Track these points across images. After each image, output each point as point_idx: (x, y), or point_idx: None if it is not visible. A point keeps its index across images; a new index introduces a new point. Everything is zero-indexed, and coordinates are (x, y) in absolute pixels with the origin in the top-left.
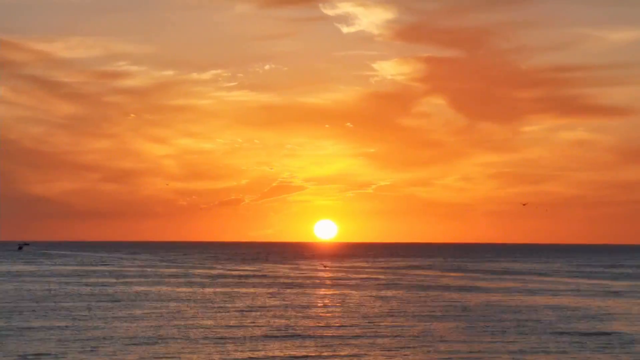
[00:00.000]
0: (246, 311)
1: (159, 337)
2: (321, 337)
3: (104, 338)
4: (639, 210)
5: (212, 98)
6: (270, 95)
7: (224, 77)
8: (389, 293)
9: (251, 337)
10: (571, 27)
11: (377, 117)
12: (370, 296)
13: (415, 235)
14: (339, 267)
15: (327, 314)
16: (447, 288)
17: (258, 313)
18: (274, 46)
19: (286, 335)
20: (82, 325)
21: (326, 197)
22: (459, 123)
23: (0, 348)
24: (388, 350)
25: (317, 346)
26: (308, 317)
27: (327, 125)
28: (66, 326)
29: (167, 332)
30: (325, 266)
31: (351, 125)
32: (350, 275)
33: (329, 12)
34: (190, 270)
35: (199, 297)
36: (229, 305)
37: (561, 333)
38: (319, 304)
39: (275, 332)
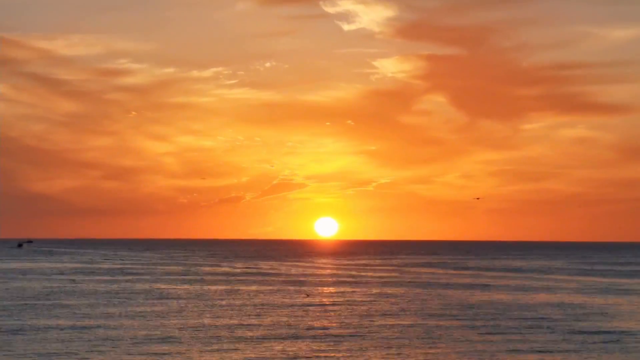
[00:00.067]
0: (249, 309)
1: (164, 335)
2: (330, 335)
3: (110, 338)
4: None
5: (213, 96)
6: (271, 93)
7: (224, 75)
8: (390, 290)
9: (254, 336)
10: (572, 24)
11: (378, 114)
12: (371, 294)
13: (415, 233)
14: (339, 265)
15: (332, 313)
16: (449, 286)
17: (260, 311)
18: (275, 44)
19: (287, 335)
20: (86, 324)
21: (327, 195)
22: (460, 121)
23: (7, 348)
24: (388, 349)
25: (324, 344)
26: (315, 316)
27: (327, 123)
28: (67, 325)
29: (171, 330)
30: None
31: (352, 123)
32: (351, 273)
33: (329, 9)
34: (198, 268)
35: (204, 295)
36: (238, 302)
37: (568, 331)
38: (326, 302)
39: (278, 331)
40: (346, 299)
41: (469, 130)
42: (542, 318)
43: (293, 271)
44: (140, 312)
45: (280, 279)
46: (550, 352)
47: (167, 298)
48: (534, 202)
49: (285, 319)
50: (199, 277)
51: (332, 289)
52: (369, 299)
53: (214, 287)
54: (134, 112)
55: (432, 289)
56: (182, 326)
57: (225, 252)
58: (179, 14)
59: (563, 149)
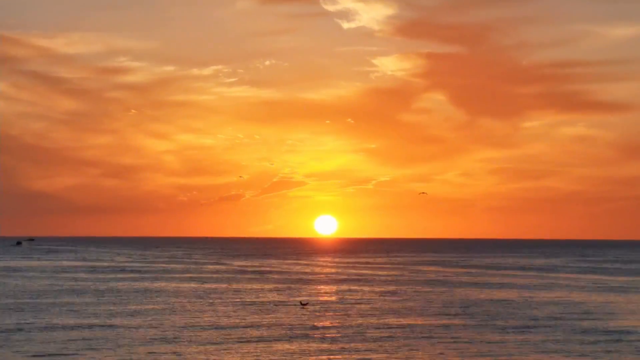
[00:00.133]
0: (249, 308)
1: (164, 334)
2: (330, 335)
3: (109, 337)
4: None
5: (213, 94)
6: (270, 91)
7: (224, 73)
8: (390, 288)
9: (255, 335)
10: (572, 23)
11: (378, 112)
12: (372, 292)
13: (415, 231)
14: (339, 263)
15: (333, 312)
16: (450, 284)
17: (261, 310)
18: (275, 42)
19: (287, 334)
20: (88, 323)
21: (326, 193)
22: (460, 119)
23: (9, 347)
24: (388, 348)
25: (333, 344)
26: (315, 315)
27: (327, 121)
28: (69, 325)
29: (171, 330)
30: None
31: (352, 121)
32: (351, 272)
33: (329, 7)
34: (197, 267)
35: (204, 294)
36: (237, 301)
37: (569, 330)
38: (326, 301)
39: (278, 330)
40: (346, 297)
41: (468, 128)
42: (543, 317)
43: (293, 269)
44: (139, 310)
45: (280, 277)
46: (550, 351)
47: (167, 297)
48: (533, 200)
49: (285, 318)
50: (198, 276)
51: (332, 288)
52: (369, 297)
53: (214, 286)
54: (134, 110)
55: (432, 288)
56: (181, 325)
57: (225, 250)
58: (179, 13)
59: (563, 147)
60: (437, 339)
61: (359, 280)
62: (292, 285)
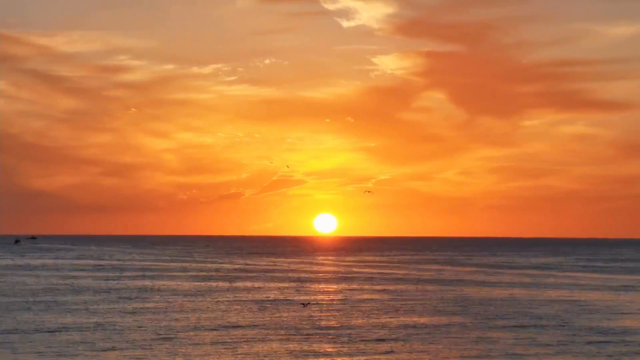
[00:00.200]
0: (249, 306)
1: (164, 334)
2: (330, 335)
3: (109, 337)
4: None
5: (213, 92)
6: (270, 90)
7: (224, 72)
8: (390, 287)
9: (254, 335)
10: (571, 22)
11: (377, 111)
12: (372, 291)
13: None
14: (339, 261)
15: (333, 311)
16: (450, 283)
17: (260, 309)
18: (275, 40)
19: (287, 334)
20: (87, 323)
21: (326, 191)
22: (459, 117)
23: (10, 349)
24: (389, 347)
25: (339, 343)
26: (315, 315)
27: (327, 120)
28: (69, 325)
29: (171, 329)
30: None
31: (351, 120)
32: (351, 270)
33: (329, 6)
34: (197, 265)
35: (204, 292)
36: (237, 300)
37: (571, 329)
38: (326, 300)
39: (278, 330)
40: (347, 297)
41: (468, 127)
42: (543, 316)
43: (293, 268)
44: (139, 309)
45: (281, 276)
46: (551, 351)
47: (167, 295)
48: (533, 199)
49: (286, 317)
50: (198, 274)
51: (332, 286)
52: (369, 296)
53: (213, 284)
54: (133, 109)
55: (432, 287)
56: (181, 325)
57: (225, 248)
58: (178, 11)
59: (563, 145)
60: (438, 338)
61: (359, 279)
62: (293, 284)
